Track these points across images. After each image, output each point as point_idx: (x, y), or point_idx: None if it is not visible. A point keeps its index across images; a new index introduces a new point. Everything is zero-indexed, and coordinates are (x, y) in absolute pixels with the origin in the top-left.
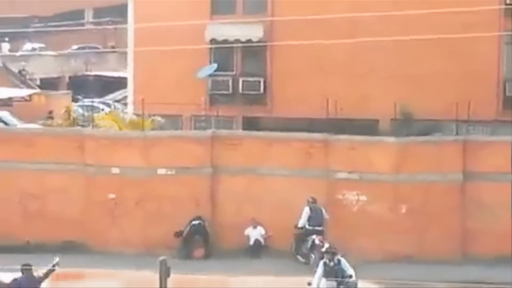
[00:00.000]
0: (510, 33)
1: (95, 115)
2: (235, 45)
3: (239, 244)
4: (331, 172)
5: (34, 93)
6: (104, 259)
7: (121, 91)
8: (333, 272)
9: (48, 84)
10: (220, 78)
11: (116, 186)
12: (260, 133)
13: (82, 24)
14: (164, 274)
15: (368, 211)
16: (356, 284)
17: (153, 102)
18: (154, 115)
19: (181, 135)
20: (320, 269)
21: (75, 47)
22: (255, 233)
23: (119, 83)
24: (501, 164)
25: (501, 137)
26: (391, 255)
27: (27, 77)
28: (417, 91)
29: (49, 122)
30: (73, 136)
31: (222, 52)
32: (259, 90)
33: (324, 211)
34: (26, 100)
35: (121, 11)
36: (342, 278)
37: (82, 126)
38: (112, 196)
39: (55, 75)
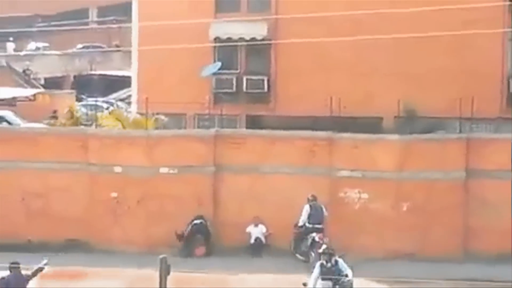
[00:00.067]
0: None
1: (98, 114)
2: (239, 43)
3: (241, 242)
4: (334, 170)
5: (38, 93)
6: (106, 257)
7: (125, 90)
8: (330, 274)
9: (52, 84)
10: (224, 77)
11: (119, 185)
12: (264, 131)
13: (87, 23)
14: (164, 272)
15: (370, 209)
16: (351, 283)
17: (157, 101)
18: (158, 113)
19: (184, 134)
20: (316, 270)
21: (79, 46)
22: (256, 231)
23: (124, 82)
24: (504, 161)
25: (504, 135)
26: (393, 253)
27: (31, 76)
28: (420, 89)
29: (52, 121)
30: (77, 136)
31: (226, 51)
32: (263, 88)
33: (324, 209)
34: (30, 99)
35: (125, 10)
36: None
37: (86, 125)
38: (114, 194)
39: (59, 75)
